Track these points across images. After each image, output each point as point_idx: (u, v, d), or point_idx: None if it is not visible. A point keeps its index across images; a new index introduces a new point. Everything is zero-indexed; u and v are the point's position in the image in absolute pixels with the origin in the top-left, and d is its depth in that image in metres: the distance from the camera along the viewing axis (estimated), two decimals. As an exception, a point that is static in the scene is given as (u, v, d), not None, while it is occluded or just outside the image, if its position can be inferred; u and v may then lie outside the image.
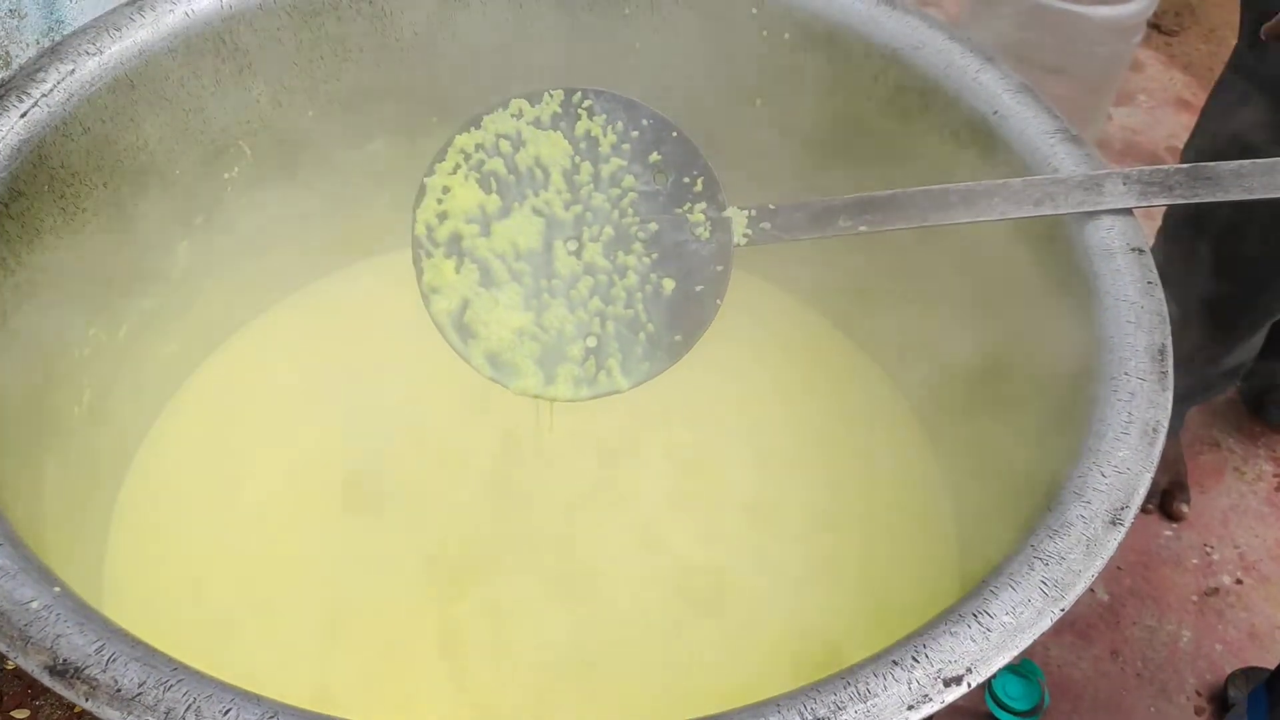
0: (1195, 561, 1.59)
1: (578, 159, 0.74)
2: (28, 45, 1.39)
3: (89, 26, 0.83)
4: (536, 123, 0.74)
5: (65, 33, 1.44)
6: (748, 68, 0.94)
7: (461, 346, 0.72)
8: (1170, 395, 0.66)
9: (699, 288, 0.73)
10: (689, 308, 0.73)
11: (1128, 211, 0.75)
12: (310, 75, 0.94)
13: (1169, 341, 0.68)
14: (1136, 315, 0.69)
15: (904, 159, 0.90)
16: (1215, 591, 1.55)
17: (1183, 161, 1.37)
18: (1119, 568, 1.56)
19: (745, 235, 0.74)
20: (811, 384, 1.02)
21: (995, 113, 0.83)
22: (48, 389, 0.80)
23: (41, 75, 0.79)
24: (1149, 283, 0.71)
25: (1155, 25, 2.44)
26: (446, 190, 0.73)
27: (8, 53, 1.36)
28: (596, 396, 0.72)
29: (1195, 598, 1.54)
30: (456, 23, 0.96)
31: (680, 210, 0.74)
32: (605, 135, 0.75)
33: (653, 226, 0.74)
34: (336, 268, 1.08)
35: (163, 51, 0.84)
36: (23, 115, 0.76)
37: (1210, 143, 1.30)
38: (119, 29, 0.83)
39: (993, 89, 0.84)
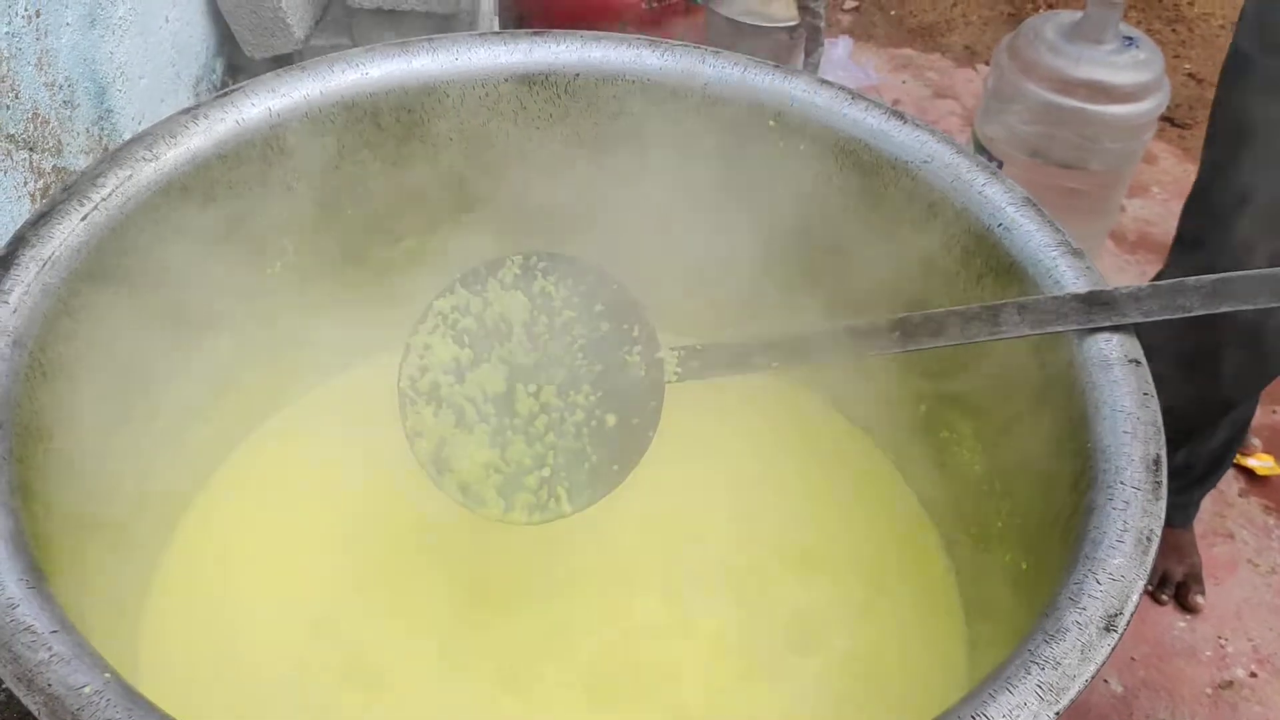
0: (1209, 654, 1.59)
1: (535, 313, 0.86)
2: (78, 134, 1.46)
3: (145, 134, 0.88)
4: (501, 283, 0.86)
5: (114, 122, 1.52)
6: (764, 180, 0.99)
7: (438, 478, 0.84)
8: (1164, 505, 0.68)
9: (635, 420, 0.84)
10: (627, 439, 0.84)
11: (1129, 327, 0.78)
12: (349, 176, 0.99)
13: (1164, 452, 0.71)
14: (1133, 426, 0.72)
15: (912, 268, 0.94)
16: (1229, 685, 1.56)
17: (1183, 221, 1.40)
18: (1132, 658, 1.57)
19: (676, 373, 0.85)
20: (827, 479, 1.05)
21: (1000, 225, 0.87)
22: (94, 473, 0.84)
23: (101, 180, 0.84)
24: (1145, 394, 0.74)
25: (1168, 118, 2.49)
26: (428, 347, 0.86)
27: (60, 141, 1.42)
28: (545, 521, 0.83)
29: (1209, 690, 1.54)
30: (489, 131, 1.01)
31: (621, 352, 0.85)
32: (557, 291, 0.87)
33: (598, 368, 0.85)
34: (371, 354, 1.12)
35: (214, 158, 0.89)
36: (83, 218, 0.81)
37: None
38: (174, 136, 0.88)
39: (998, 202, 0.88)
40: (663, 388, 0.84)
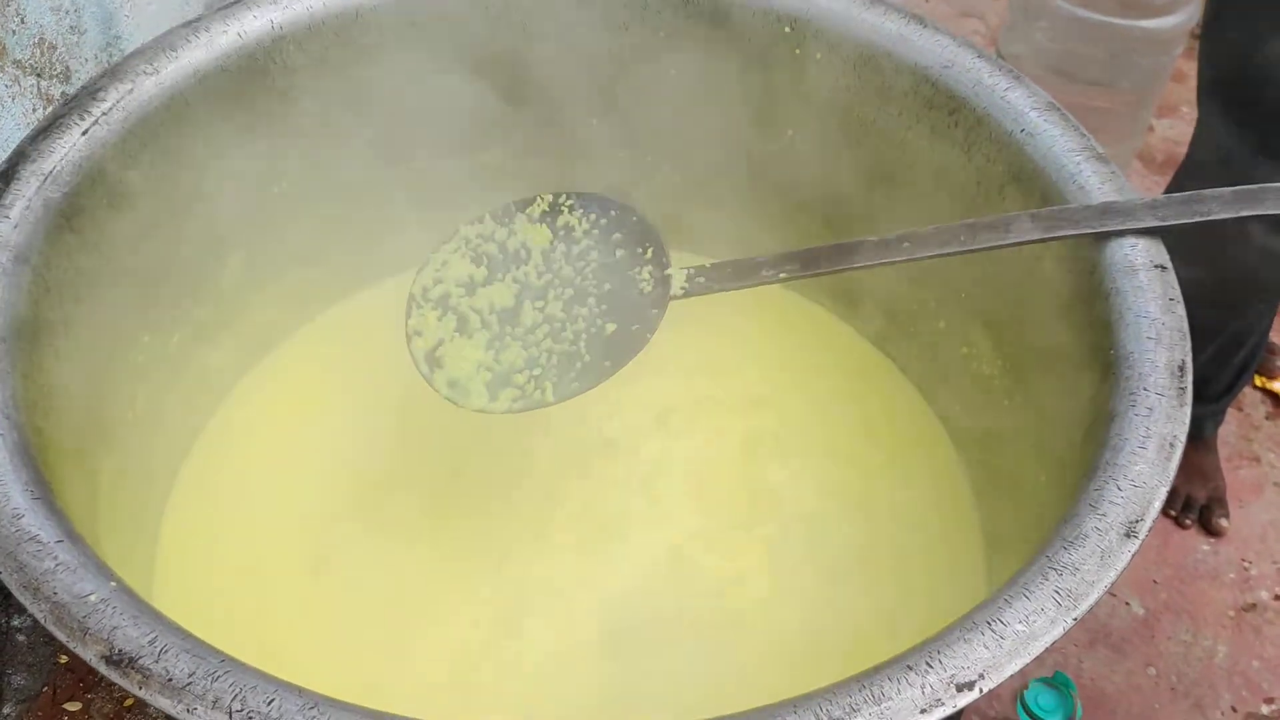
0: (1232, 576, 1.58)
1: (556, 242, 0.88)
2: (86, 60, 1.44)
3: (147, 47, 0.86)
4: (529, 217, 0.89)
5: (122, 48, 1.49)
6: (781, 89, 0.96)
7: (428, 373, 0.83)
8: (1188, 412, 0.66)
9: (635, 326, 0.84)
10: (623, 342, 0.83)
11: (1152, 231, 0.76)
12: (354, 93, 0.97)
13: (1189, 358, 0.69)
14: (1157, 331, 0.70)
15: (931, 176, 0.91)
16: (1252, 607, 1.55)
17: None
18: (1155, 581, 1.56)
19: (683, 288, 0.85)
20: (842, 395, 1.04)
21: (1023, 131, 0.84)
22: (104, 394, 0.84)
23: (102, 94, 0.83)
24: (1170, 299, 0.72)
25: (1199, 36, 2.42)
26: (445, 263, 0.87)
27: (68, 67, 1.41)
28: (526, 409, 0.82)
29: (1232, 613, 1.53)
30: (500, 43, 0.99)
31: (631, 272, 0.86)
32: (580, 224, 0.89)
33: (606, 286, 0.86)
34: (381, 278, 1.12)
35: (216, 71, 0.88)
36: (84, 133, 0.80)
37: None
38: (175, 50, 0.87)
39: (1020, 107, 0.85)
40: (667, 298, 0.84)
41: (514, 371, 0.83)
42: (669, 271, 0.86)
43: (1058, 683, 1.37)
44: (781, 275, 0.83)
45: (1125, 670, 1.46)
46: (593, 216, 0.88)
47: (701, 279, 0.85)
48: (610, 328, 0.84)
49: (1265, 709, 1.43)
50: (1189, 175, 1.39)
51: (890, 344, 1.07)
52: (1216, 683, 1.46)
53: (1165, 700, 1.44)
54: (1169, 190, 1.48)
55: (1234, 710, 1.43)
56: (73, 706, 1.31)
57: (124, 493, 0.85)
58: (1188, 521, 1.62)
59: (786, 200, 1.04)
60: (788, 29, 0.94)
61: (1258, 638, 1.51)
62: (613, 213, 0.88)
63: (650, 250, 0.87)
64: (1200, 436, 1.61)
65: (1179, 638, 1.50)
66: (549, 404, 0.82)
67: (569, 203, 0.89)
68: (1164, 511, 1.59)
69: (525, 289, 0.86)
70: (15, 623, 1.36)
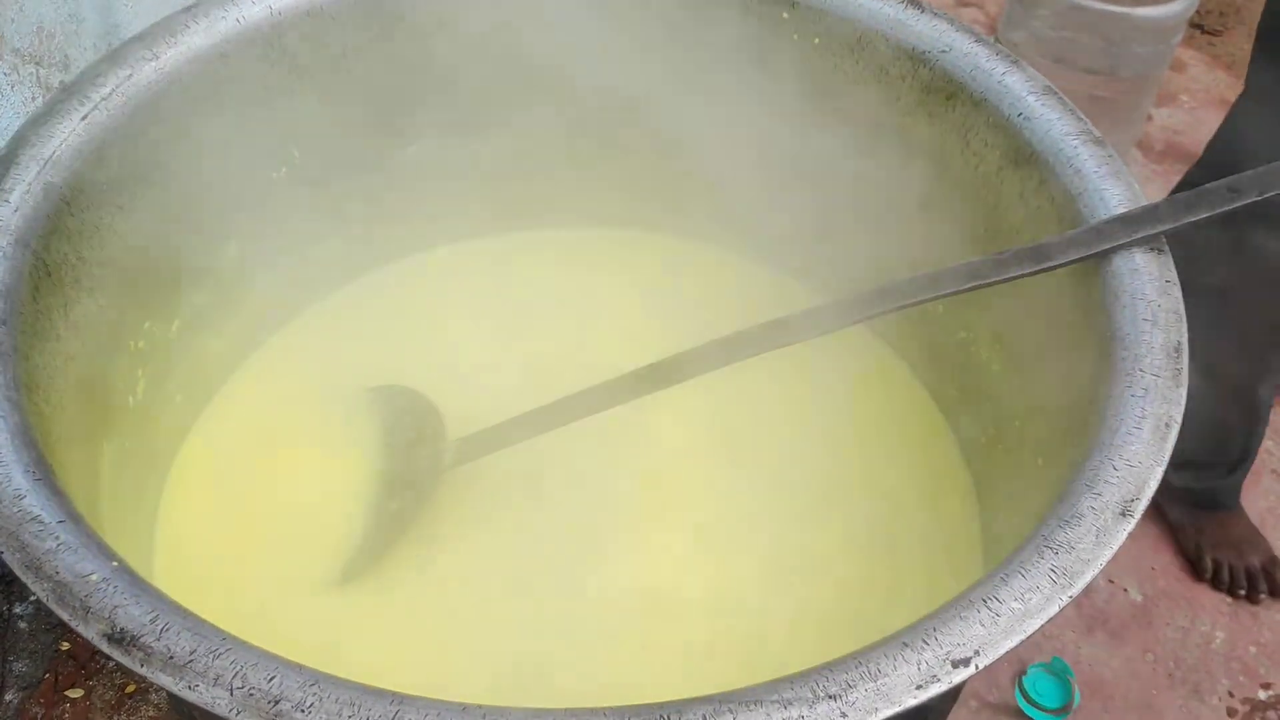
0: (1230, 563, 1.58)
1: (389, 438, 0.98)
2: (85, 49, 1.44)
3: (146, 33, 0.87)
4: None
5: (121, 35, 1.49)
6: (778, 74, 0.97)
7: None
8: (1184, 392, 0.67)
9: (411, 502, 0.93)
10: (404, 514, 0.92)
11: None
12: (355, 78, 0.97)
13: (1185, 339, 0.69)
14: (1153, 313, 0.71)
15: (928, 161, 0.92)
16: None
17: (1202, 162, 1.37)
18: (1153, 568, 1.56)
19: (455, 458, 0.92)
20: (837, 379, 1.04)
21: (1020, 115, 0.85)
22: (105, 379, 0.84)
23: (101, 79, 0.83)
24: (1167, 281, 0.73)
25: (1198, 25, 2.43)
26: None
27: (67, 56, 1.41)
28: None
29: (1229, 599, 1.54)
30: (504, 27, 0.99)
31: (420, 452, 0.95)
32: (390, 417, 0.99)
33: (395, 468, 0.95)
34: (378, 265, 1.12)
35: (215, 57, 0.88)
36: (84, 118, 0.80)
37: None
38: (174, 35, 0.87)
39: (1018, 91, 0.85)
40: (440, 472, 0.92)
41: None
42: (442, 446, 0.93)
43: (1056, 669, 1.37)
44: (530, 429, 0.88)
45: (1123, 656, 1.47)
46: (399, 406, 0.98)
47: (467, 448, 0.92)
48: (394, 506, 0.92)
49: (1262, 694, 1.44)
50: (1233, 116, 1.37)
51: (885, 328, 1.07)
52: (1214, 669, 1.46)
53: (1163, 686, 1.44)
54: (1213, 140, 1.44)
55: (1231, 695, 1.44)
56: (74, 693, 1.31)
57: (125, 476, 0.86)
58: (1261, 596, 1.52)
59: (779, 183, 1.04)
60: (785, 14, 0.94)
61: (1255, 624, 1.51)
62: (409, 401, 0.98)
63: (430, 429, 0.95)
64: (1226, 508, 1.56)
65: (1177, 624, 1.51)
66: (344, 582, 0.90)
67: (384, 399, 1.00)
68: (1233, 594, 1.52)
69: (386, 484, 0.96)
70: (17, 610, 1.37)
